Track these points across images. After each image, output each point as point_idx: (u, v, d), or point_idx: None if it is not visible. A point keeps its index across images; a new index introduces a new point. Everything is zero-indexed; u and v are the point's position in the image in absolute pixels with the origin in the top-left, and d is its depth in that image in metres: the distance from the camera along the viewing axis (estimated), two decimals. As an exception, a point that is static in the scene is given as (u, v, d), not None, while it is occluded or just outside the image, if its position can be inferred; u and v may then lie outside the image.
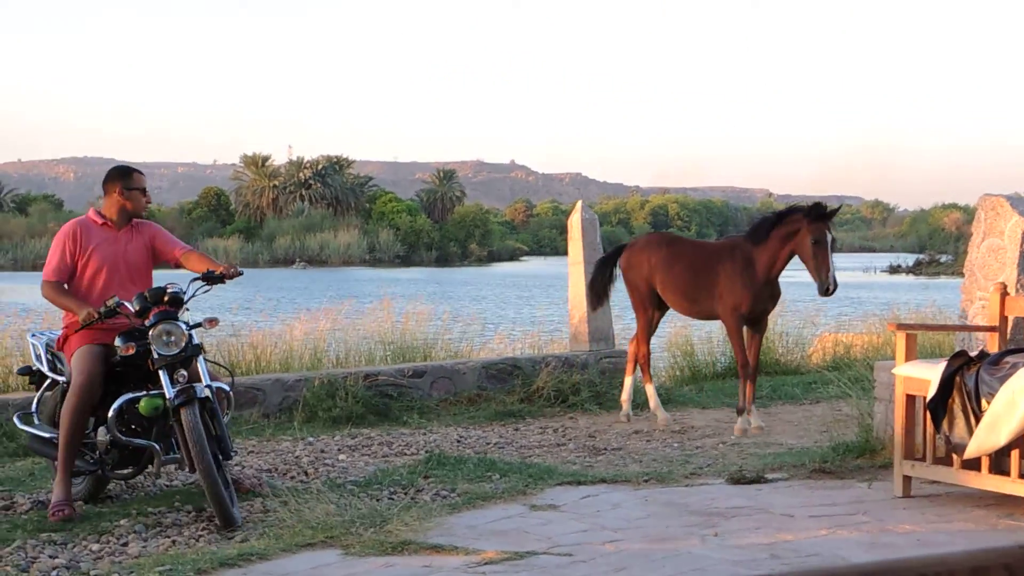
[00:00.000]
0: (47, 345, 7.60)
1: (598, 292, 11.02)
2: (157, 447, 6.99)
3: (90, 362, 7.07)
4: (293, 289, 42.00)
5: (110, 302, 7.05)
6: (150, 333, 6.93)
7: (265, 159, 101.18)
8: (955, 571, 1.07)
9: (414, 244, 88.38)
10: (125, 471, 7.27)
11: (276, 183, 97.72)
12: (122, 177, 7.51)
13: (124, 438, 6.97)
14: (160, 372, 6.90)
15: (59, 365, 7.48)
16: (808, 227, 9.45)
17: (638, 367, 10.66)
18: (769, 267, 9.77)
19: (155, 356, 6.91)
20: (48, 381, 7.56)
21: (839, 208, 9.74)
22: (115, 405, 6.95)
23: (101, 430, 7.08)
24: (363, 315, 14.99)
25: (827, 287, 9.33)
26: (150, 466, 7.17)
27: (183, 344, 6.95)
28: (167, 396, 6.82)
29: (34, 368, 7.68)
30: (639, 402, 10.99)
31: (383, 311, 13.87)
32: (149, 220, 7.71)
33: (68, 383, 7.28)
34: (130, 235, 7.50)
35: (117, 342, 6.99)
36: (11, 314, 13.77)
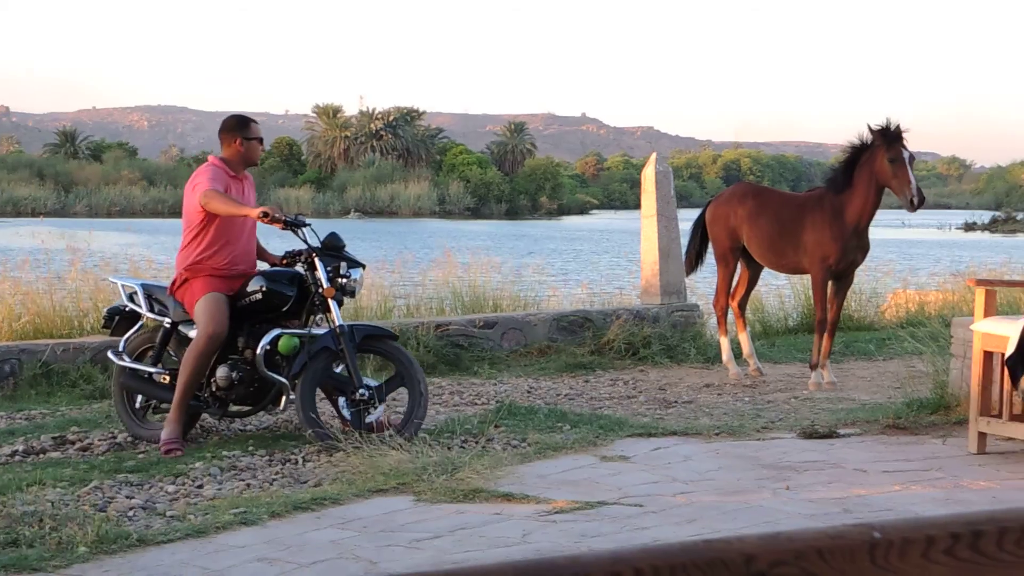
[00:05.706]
0: (143, 286, 7.76)
1: (691, 258, 10.87)
2: (287, 384, 7.26)
3: (220, 310, 7.28)
4: (363, 239, 42.09)
5: (299, 217, 7.48)
6: (356, 274, 7.48)
7: (336, 110, 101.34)
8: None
9: (484, 196, 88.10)
10: (245, 408, 7.57)
11: (347, 134, 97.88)
12: (242, 127, 7.62)
13: (269, 373, 7.27)
14: (331, 303, 7.28)
15: (158, 308, 7.62)
16: (881, 148, 9.27)
17: (742, 319, 10.51)
18: (860, 214, 9.49)
19: (330, 291, 7.29)
20: (141, 321, 7.75)
21: (901, 127, 9.39)
22: (263, 342, 7.28)
23: (221, 368, 7.34)
24: (433, 266, 15.02)
25: (911, 199, 9.13)
26: (272, 405, 7.50)
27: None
28: (339, 324, 7.24)
29: (126, 308, 7.77)
30: (711, 356, 10.94)
31: (449, 263, 13.89)
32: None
33: (172, 324, 7.55)
34: (244, 185, 7.68)
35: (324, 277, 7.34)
36: (96, 262, 13.95)
